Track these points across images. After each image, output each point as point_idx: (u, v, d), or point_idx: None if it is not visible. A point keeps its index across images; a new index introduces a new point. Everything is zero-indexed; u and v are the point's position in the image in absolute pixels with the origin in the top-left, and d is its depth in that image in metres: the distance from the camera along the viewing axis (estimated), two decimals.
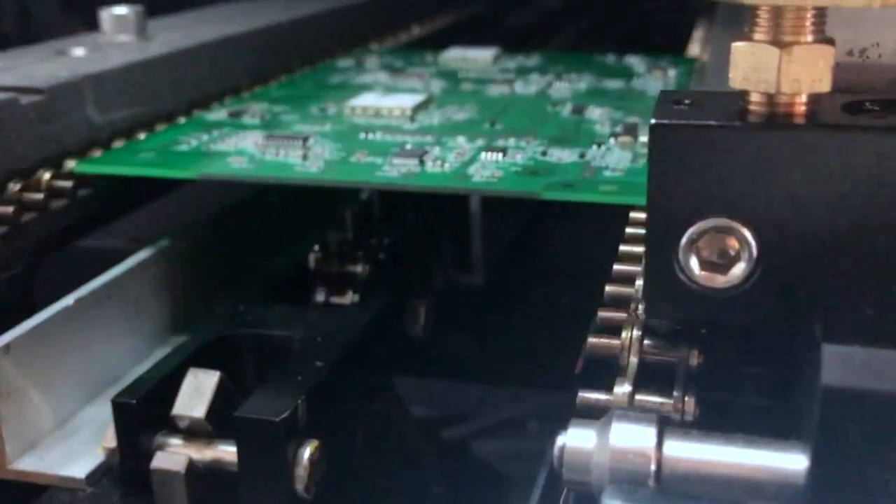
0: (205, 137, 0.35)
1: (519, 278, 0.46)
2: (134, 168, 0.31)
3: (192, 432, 0.24)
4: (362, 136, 0.34)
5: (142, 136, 0.36)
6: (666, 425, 0.17)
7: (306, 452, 0.23)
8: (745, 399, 0.20)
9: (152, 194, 0.37)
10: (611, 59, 0.49)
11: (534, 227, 0.48)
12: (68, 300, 0.27)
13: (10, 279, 0.29)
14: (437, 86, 0.43)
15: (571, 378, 0.21)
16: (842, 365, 0.15)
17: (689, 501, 0.16)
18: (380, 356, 0.30)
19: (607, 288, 0.23)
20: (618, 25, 0.85)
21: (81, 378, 0.27)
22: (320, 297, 0.33)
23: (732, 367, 0.20)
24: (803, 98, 0.18)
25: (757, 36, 0.18)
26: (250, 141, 0.34)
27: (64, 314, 0.26)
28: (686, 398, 0.19)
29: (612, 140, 0.33)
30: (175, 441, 0.24)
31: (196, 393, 0.24)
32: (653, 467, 0.16)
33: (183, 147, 0.33)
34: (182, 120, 0.38)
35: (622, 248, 0.24)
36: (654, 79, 0.44)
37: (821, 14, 0.17)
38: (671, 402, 0.19)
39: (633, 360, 0.20)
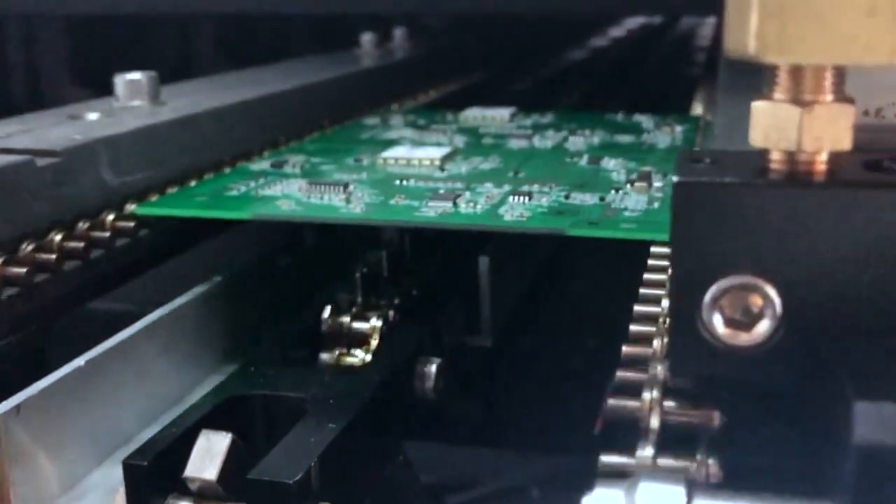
0: (252, 184, 0.37)
1: (528, 341, 0.46)
2: (190, 210, 0.34)
3: (204, 495, 0.23)
4: (397, 182, 0.37)
5: (192, 182, 0.38)
6: (693, 485, 0.16)
7: None
8: (770, 459, 0.20)
9: (163, 258, 0.38)
10: (620, 116, 0.52)
11: (543, 287, 0.48)
12: (79, 361, 0.27)
13: (21, 340, 0.29)
14: (460, 140, 0.45)
15: (589, 438, 0.21)
16: (874, 422, 0.15)
17: None
18: (390, 418, 0.30)
19: (624, 348, 0.23)
20: (622, 88, 0.87)
21: (91, 439, 0.27)
22: (330, 357, 0.33)
23: (756, 427, 0.20)
24: (824, 156, 0.18)
25: (777, 95, 0.18)
26: (294, 187, 0.36)
27: (75, 375, 0.26)
28: (710, 460, 0.19)
29: (628, 186, 0.35)
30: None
31: (208, 455, 0.23)
32: None
33: (233, 192, 0.36)
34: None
35: (636, 307, 0.24)
36: (662, 134, 0.46)
37: (841, 73, 0.18)
38: (694, 464, 0.19)
39: (655, 421, 0.20)
